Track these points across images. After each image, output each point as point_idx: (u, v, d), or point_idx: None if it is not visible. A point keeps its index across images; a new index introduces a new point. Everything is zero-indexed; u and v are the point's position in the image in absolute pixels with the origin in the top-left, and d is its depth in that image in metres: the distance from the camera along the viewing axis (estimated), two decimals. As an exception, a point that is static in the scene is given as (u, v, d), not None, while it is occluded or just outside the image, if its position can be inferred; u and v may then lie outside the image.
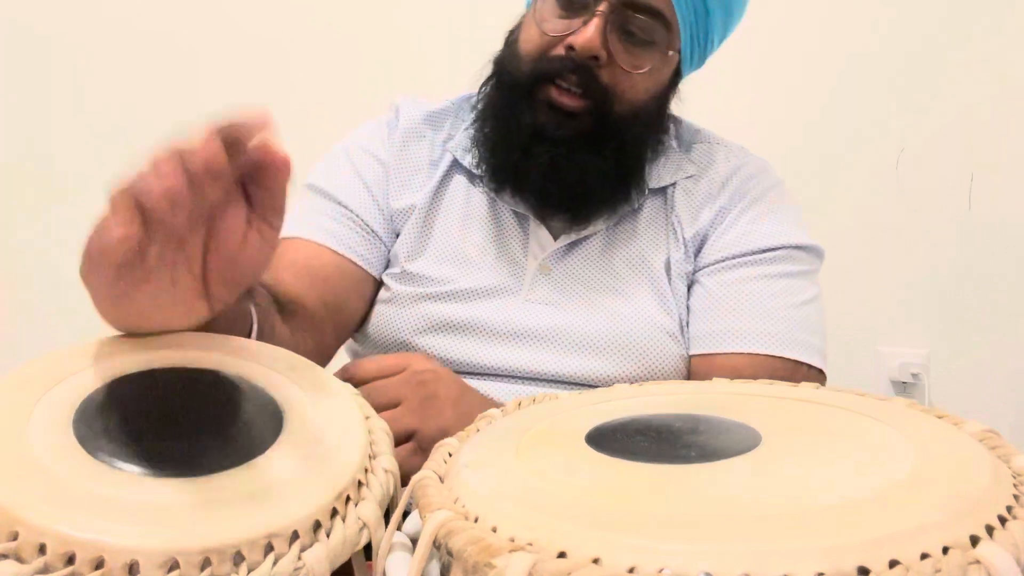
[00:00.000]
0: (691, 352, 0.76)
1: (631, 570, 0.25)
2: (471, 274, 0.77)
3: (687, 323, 0.77)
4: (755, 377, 0.69)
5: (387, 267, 0.82)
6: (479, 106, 0.79)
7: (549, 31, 0.72)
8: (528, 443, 0.37)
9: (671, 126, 0.84)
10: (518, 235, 0.79)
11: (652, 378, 0.74)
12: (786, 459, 0.32)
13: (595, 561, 0.26)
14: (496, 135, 0.77)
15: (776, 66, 1.38)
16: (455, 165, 0.82)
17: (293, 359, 0.46)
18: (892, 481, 0.29)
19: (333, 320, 0.76)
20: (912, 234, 1.42)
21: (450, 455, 0.38)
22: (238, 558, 0.31)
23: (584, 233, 0.78)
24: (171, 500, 0.32)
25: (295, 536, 0.32)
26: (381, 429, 0.42)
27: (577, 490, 0.31)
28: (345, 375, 0.59)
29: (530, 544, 0.27)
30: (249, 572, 0.31)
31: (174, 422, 0.38)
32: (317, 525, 0.33)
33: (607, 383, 0.59)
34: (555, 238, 0.79)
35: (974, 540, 0.25)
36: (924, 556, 0.24)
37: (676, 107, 0.83)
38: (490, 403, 0.62)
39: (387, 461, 0.39)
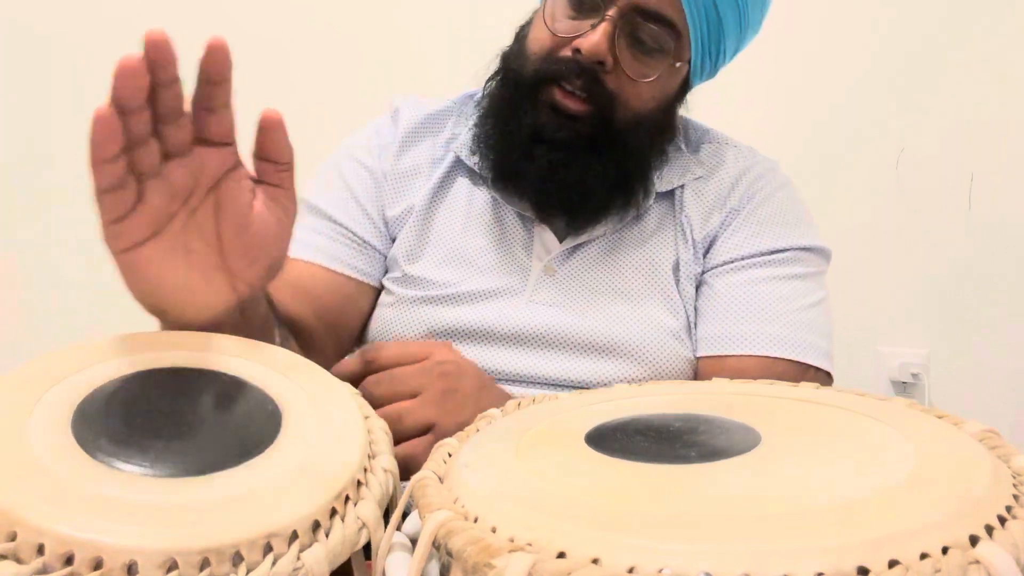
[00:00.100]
0: (699, 354, 0.75)
1: (631, 570, 0.25)
2: (474, 277, 0.77)
3: (695, 324, 0.77)
4: (763, 379, 0.70)
5: (386, 272, 0.81)
6: (483, 103, 0.79)
7: (558, 31, 0.72)
8: (528, 443, 0.37)
9: (681, 128, 0.84)
10: (522, 236, 0.79)
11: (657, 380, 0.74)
12: (786, 459, 0.32)
13: (595, 561, 0.26)
14: (497, 133, 0.76)
15: (776, 66, 1.38)
16: (458, 165, 0.82)
17: (292, 359, 0.46)
18: (892, 481, 0.29)
19: (333, 336, 0.76)
20: (912, 234, 1.43)
21: (450, 455, 0.38)
22: (237, 558, 0.31)
23: (590, 236, 0.77)
24: (170, 500, 0.32)
25: (294, 536, 0.32)
26: (381, 429, 0.42)
27: (577, 490, 0.31)
28: (367, 357, 0.58)
29: (530, 544, 0.27)
30: (248, 572, 0.31)
31: (174, 422, 0.38)
32: (316, 525, 0.33)
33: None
34: (560, 240, 0.78)
35: (974, 540, 0.25)
36: (924, 556, 0.24)
37: (680, 110, 0.83)
38: (501, 397, 0.61)
39: (387, 461, 0.39)
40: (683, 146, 0.82)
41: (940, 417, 0.36)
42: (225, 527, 0.31)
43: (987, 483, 0.28)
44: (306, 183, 0.83)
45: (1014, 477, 0.30)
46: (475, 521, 0.30)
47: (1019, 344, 1.40)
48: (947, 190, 1.41)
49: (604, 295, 0.76)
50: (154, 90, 0.43)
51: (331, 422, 0.40)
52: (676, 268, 0.77)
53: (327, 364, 0.76)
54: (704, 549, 0.25)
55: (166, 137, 0.45)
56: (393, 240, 0.81)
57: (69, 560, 0.29)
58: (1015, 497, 0.28)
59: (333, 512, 0.34)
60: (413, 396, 0.57)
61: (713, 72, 0.78)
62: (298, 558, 0.32)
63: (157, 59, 0.42)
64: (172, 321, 0.49)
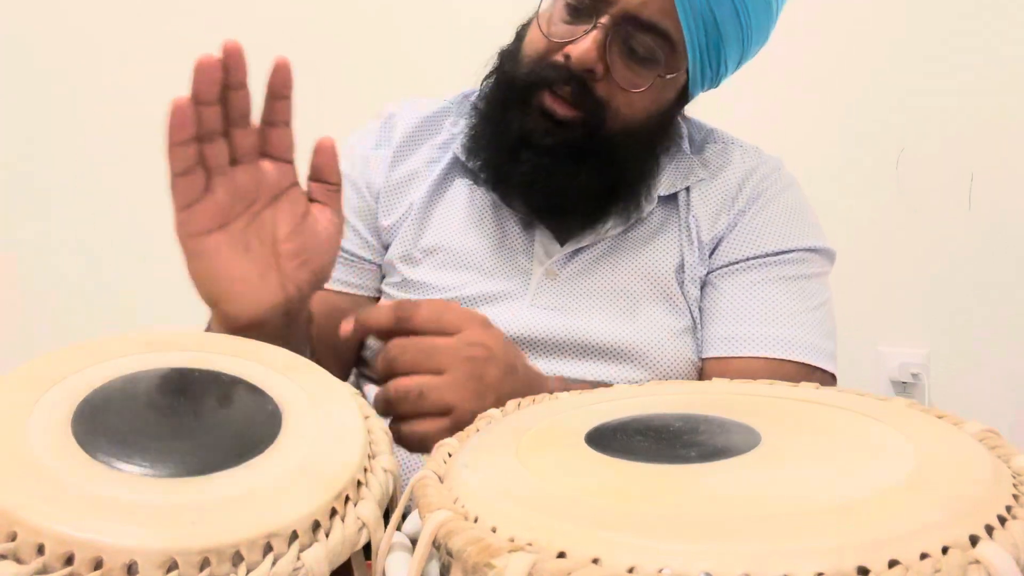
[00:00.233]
0: (705, 355, 0.75)
1: (631, 570, 0.25)
2: (475, 281, 0.76)
3: (700, 326, 0.76)
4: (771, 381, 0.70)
5: (384, 278, 0.81)
6: (479, 103, 0.79)
7: (552, 35, 0.71)
8: (528, 443, 0.37)
9: (684, 128, 0.83)
10: (523, 240, 0.78)
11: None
12: (786, 459, 0.32)
13: (595, 561, 0.26)
14: (488, 134, 0.76)
15: (776, 66, 1.38)
16: (456, 164, 0.81)
17: (292, 359, 0.46)
18: (892, 481, 0.29)
19: (332, 353, 0.75)
20: (912, 234, 1.43)
21: (450, 455, 0.38)
22: (237, 558, 0.31)
23: (592, 239, 0.77)
24: (170, 500, 0.32)
25: (294, 536, 0.32)
26: (380, 429, 0.42)
27: (577, 490, 0.31)
28: (400, 313, 0.55)
29: (530, 544, 0.27)
30: (248, 572, 0.31)
31: (173, 422, 0.38)
32: (316, 525, 0.33)
33: None
34: (561, 243, 0.78)
35: (974, 540, 0.25)
36: (924, 556, 0.24)
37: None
38: (536, 384, 0.59)
39: (387, 461, 0.39)
40: (686, 148, 0.82)
41: (940, 417, 0.36)
42: (225, 527, 0.31)
43: (987, 483, 0.28)
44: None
45: (1014, 477, 0.30)
46: (475, 521, 0.30)
47: (1019, 344, 1.40)
48: (947, 190, 1.41)
49: (606, 298, 0.76)
50: (226, 92, 0.51)
51: (331, 422, 0.40)
52: (680, 270, 0.77)
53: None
54: (704, 549, 0.25)
55: (234, 141, 0.53)
56: (387, 247, 0.81)
57: (69, 560, 0.29)
58: (1015, 497, 0.28)
59: (333, 512, 0.34)
60: (437, 372, 0.54)
61: (716, 82, 0.77)
62: (298, 558, 0.32)
63: (231, 64, 0.50)
64: (223, 311, 0.55)
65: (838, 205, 1.40)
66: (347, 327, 0.56)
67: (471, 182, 0.80)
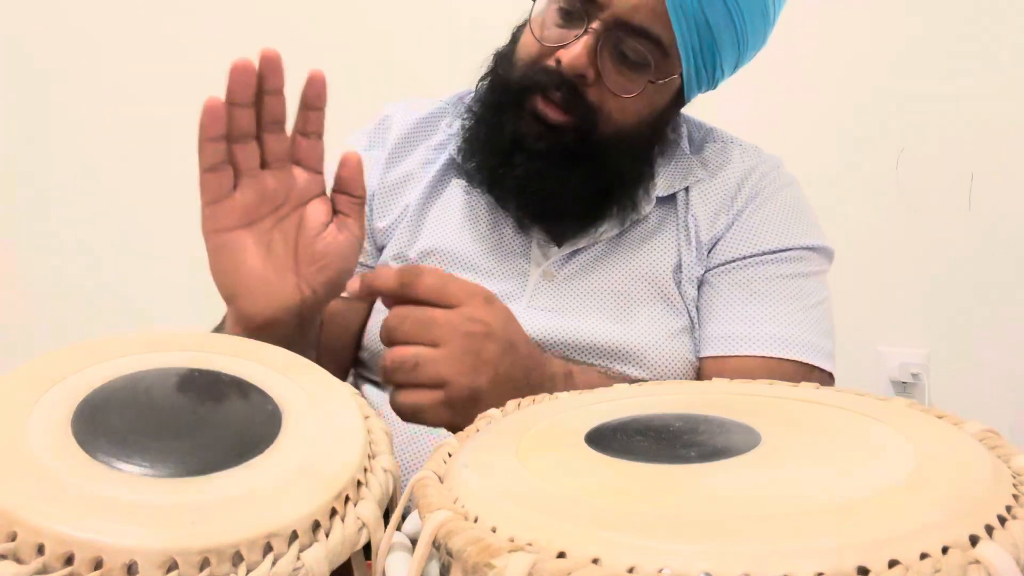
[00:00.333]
0: (702, 354, 0.75)
1: (631, 570, 0.25)
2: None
3: (698, 324, 0.76)
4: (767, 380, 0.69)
5: None
6: (473, 105, 0.78)
7: (545, 39, 0.70)
8: (528, 443, 0.37)
9: (683, 128, 0.83)
10: (520, 241, 0.78)
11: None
12: (786, 459, 0.32)
13: (595, 561, 0.26)
14: (482, 137, 0.76)
15: (776, 66, 1.38)
16: (451, 165, 0.81)
17: (292, 359, 0.46)
18: (892, 481, 0.29)
19: (330, 355, 0.75)
20: (912, 234, 1.43)
21: (450, 455, 0.38)
22: (237, 558, 0.31)
23: (588, 240, 0.77)
24: (170, 500, 0.32)
25: (294, 536, 0.32)
26: (380, 429, 0.42)
27: (577, 490, 0.31)
28: (405, 279, 0.54)
29: (530, 544, 0.27)
30: (248, 572, 0.31)
31: (173, 422, 0.38)
32: (316, 525, 0.33)
33: None
34: (559, 245, 0.78)
35: (974, 540, 0.25)
36: (924, 556, 0.24)
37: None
38: (537, 363, 0.58)
39: (386, 461, 0.39)
40: (685, 147, 0.82)
41: (940, 417, 0.36)
42: (225, 527, 0.31)
43: (987, 483, 0.28)
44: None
45: (1014, 477, 0.30)
46: (475, 521, 0.30)
47: (1019, 344, 1.40)
48: (947, 190, 1.41)
49: (603, 299, 0.75)
50: (261, 96, 0.53)
51: (331, 422, 0.40)
52: (677, 270, 0.76)
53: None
54: (704, 549, 0.25)
55: (267, 146, 0.55)
56: (382, 249, 0.81)
57: (69, 560, 0.29)
58: (1015, 497, 0.28)
59: (333, 512, 0.34)
60: (434, 345, 0.53)
61: (713, 84, 0.76)
62: (298, 558, 0.32)
63: (267, 70, 0.52)
64: (239, 308, 0.56)
65: (838, 206, 1.40)
66: (354, 285, 0.56)
67: (467, 183, 0.80)
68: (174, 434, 0.37)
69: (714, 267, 0.77)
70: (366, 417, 0.42)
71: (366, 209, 0.81)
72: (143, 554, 0.30)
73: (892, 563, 0.24)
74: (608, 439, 0.36)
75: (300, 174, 0.58)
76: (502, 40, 0.78)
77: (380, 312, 0.78)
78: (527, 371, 0.56)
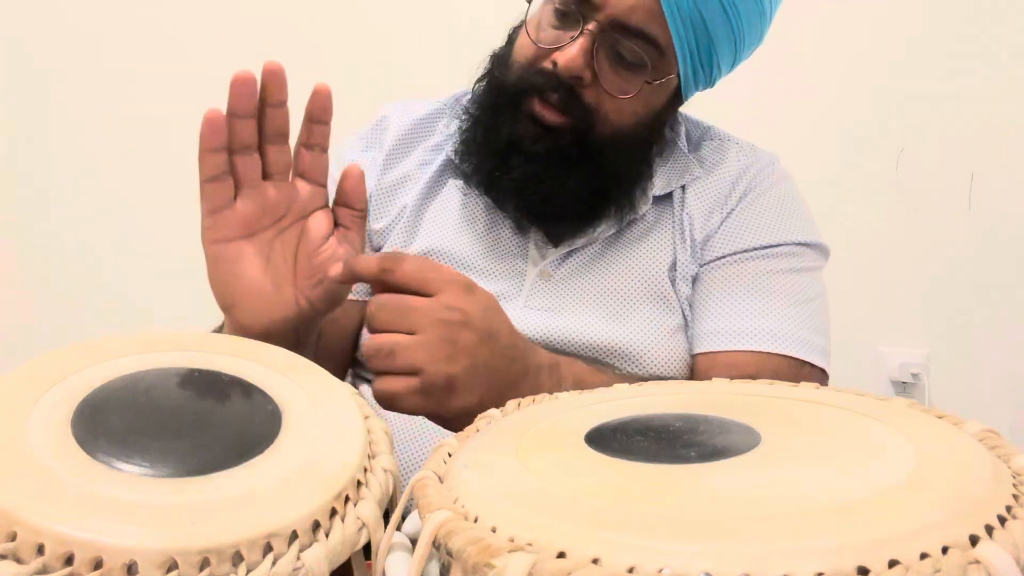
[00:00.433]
0: (694, 351, 0.75)
1: (631, 570, 0.25)
2: None
3: (690, 321, 0.76)
4: (758, 375, 0.69)
5: None
6: (470, 106, 0.78)
7: (541, 41, 0.70)
8: (528, 443, 0.37)
9: (682, 127, 0.83)
10: (517, 241, 0.78)
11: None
12: (786, 459, 0.32)
13: (595, 561, 0.26)
14: (479, 139, 0.75)
15: (776, 66, 1.38)
16: (449, 165, 0.81)
17: (292, 359, 0.46)
18: (892, 481, 0.29)
19: (331, 360, 0.75)
20: (912, 234, 1.43)
21: (450, 455, 0.38)
22: (237, 558, 0.31)
23: (585, 239, 0.77)
24: (170, 500, 0.32)
25: (294, 536, 0.32)
26: (380, 429, 0.42)
27: (577, 490, 0.31)
28: (385, 265, 0.54)
29: (530, 544, 0.27)
30: (248, 572, 0.31)
31: (173, 422, 0.38)
32: (316, 525, 0.33)
33: None
34: (555, 244, 0.78)
35: (974, 540, 0.25)
36: (924, 556, 0.24)
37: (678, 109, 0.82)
38: (520, 354, 0.58)
39: (387, 461, 0.39)
40: (683, 145, 0.82)
41: (940, 417, 0.36)
42: (225, 527, 0.31)
43: (987, 483, 0.28)
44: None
45: (1014, 477, 0.30)
46: (475, 521, 0.30)
47: (1019, 344, 1.40)
48: (947, 190, 1.41)
49: (600, 298, 0.75)
50: (264, 109, 0.53)
51: (331, 422, 0.40)
52: (672, 268, 0.76)
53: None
54: (704, 549, 0.25)
55: (269, 157, 0.55)
56: (378, 251, 0.81)
57: (69, 560, 0.29)
58: (1015, 497, 0.28)
59: (333, 512, 0.34)
60: (411, 332, 0.52)
61: (710, 83, 0.76)
62: (298, 558, 0.32)
63: (269, 83, 0.53)
64: (236, 319, 0.56)
65: (838, 206, 1.40)
66: (336, 269, 0.56)
67: (463, 184, 0.80)
68: (174, 434, 0.37)
69: (706, 263, 0.77)
70: (366, 417, 0.42)
71: None
72: (143, 554, 0.30)
73: (892, 563, 0.24)
74: (608, 439, 0.36)
75: (303, 186, 0.58)
76: (502, 40, 0.78)
77: None
78: (508, 361, 0.55)
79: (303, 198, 0.58)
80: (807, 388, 0.42)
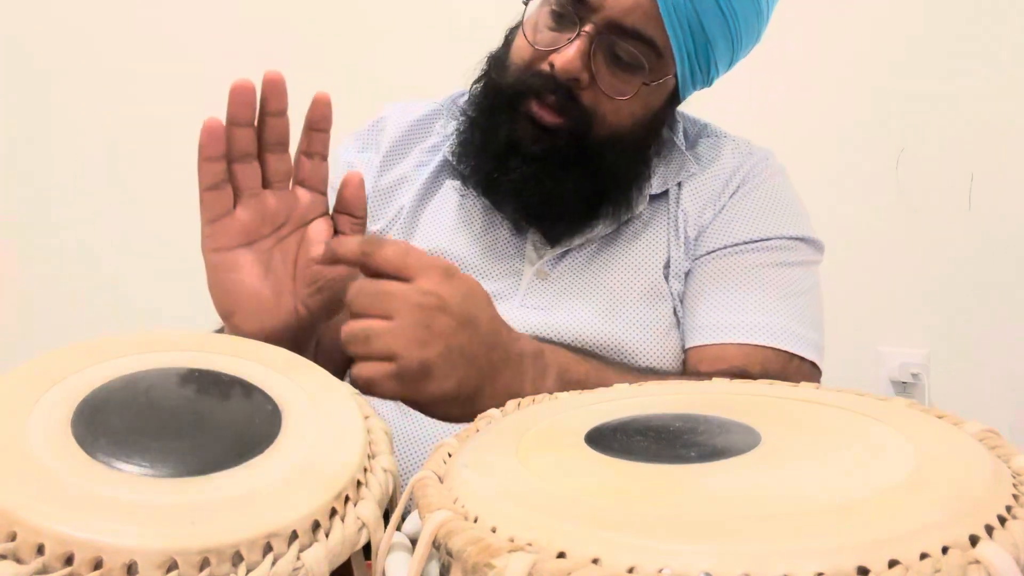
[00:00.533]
0: (686, 345, 0.75)
1: (631, 570, 0.25)
2: None
3: (682, 316, 0.76)
4: (746, 367, 0.69)
5: None
6: (467, 108, 0.78)
7: (538, 43, 0.70)
8: (528, 443, 0.37)
9: (679, 125, 0.82)
10: (513, 241, 0.78)
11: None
12: (786, 459, 0.32)
13: (595, 561, 0.26)
14: (476, 140, 0.75)
15: (776, 65, 1.38)
16: (445, 167, 0.81)
17: (292, 359, 0.46)
18: (892, 481, 0.29)
19: (330, 361, 0.75)
20: (912, 234, 1.42)
21: (450, 455, 0.38)
22: (237, 558, 0.31)
23: (581, 238, 0.77)
24: (170, 500, 0.32)
25: (294, 536, 0.32)
26: (380, 429, 0.42)
27: (577, 490, 0.31)
28: (365, 248, 0.53)
29: (530, 544, 0.27)
30: (248, 572, 0.31)
31: (173, 422, 0.38)
32: (316, 525, 0.33)
33: None
34: (552, 244, 0.78)
35: (974, 540, 0.25)
36: (924, 556, 0.24)
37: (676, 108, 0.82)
38: (501, 341, 0.57)
39: (386, 461, 0.39)
40: (680, 143, 0.82)
41: (940, 417, 0.36)
42: (225, 527, 0.31)
43: (987, 483, 0.28)
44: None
45: (1014, 477, 0.30)
46: (475, 521, 0.30)
47: (1019, 344, 1.40)
48: (947, 190, 1.41)
49: (595, 297, 0.75)
50: (264, 117, 0.53)
51: (331, 422, 0.40)
52: (667, 265, 0.77)
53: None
54: (704, 549, 0.25)
55: (269, 166, 0.55)
56: None
57: (69, 560, 0.29)
58: (1015, 497, 0.28)
59: (333, 512, 0.35)
60: (386, 317, 0.52)
61: (708, 82, 0.76)
62: (298, 558, 0.32)
63: (269, 93, 0.53)
64: (235, 326, 0.56)
65: (838, 205, 1.40)
66: (319, 250, 0.56)
67: (460, 184, 0.80)
68: (174, 434, 0.37)
69: (699, 256, 0.77)
70: (366, 417, 0.42)
71: None
72: (143, 554, 0.30)
73: (892, 563, 0.24)
74: (608, 439, 0.36)
75: (303, 194, 0.57)
76: (502, 41, 0.78)
77: None
78: (488, 348, 0.54)
79: (303, 206, 0.57)
80: (807, 388, 0.42)
